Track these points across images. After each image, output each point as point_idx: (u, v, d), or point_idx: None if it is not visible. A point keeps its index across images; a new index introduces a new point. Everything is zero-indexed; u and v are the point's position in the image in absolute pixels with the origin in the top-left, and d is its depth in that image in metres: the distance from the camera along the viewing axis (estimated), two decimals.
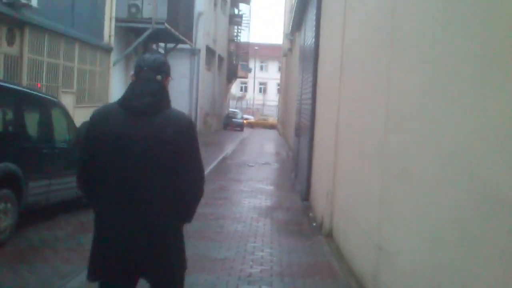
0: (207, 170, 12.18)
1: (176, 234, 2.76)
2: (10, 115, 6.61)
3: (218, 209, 9.05)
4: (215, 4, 31.21)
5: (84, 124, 6.64)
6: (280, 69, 46.71)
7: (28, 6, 10.32)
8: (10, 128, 6.61)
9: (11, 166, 6.13)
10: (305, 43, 13.20)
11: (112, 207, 2.63)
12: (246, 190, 11.51)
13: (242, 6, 41.47)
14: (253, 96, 62.53)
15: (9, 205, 6.09)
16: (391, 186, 4.32)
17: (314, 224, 8.23)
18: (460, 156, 2.92)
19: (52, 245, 6.20)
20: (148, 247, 2.62)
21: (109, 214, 2.65)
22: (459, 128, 2.96)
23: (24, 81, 11.06)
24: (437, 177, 3.29)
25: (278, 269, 5.69)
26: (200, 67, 26.98)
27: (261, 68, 66.52)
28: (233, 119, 39.63)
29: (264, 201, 10.26)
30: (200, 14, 26.51)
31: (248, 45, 45.04)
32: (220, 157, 17.90)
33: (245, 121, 42.22)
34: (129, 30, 18.41)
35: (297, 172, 13.48)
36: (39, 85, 11.64)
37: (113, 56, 16.94)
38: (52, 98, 8.19)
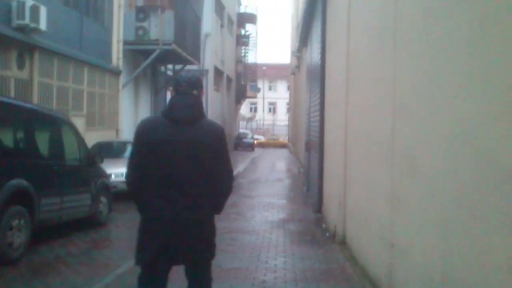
0: None
1: (210, 227, 3.29)
2: (21, 133, 6.71)
3: (231, 223, 9.01)
4: (221, 25, 31.57)
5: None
6: (288, 88, 46.92)
7: (37, 30, 10.50)
8: (22, 145, 6.70)
9: (23, 182, 6.19)
10: (312, 58, 13.30)
11: (158, 202, 3.11)
12: (258, 205, 11.47)
13: (248, 26, 41.82)
14: (263, 116, 62.69)
15: (22, 221, 6.12)
16: (400, 182, 4.31)
17: (327, 234, 8.17)
18: (465, 142, 2.91)
19: (65, 261, 6.20)
20: (189, 236, 3.10)
21: (155, 209, 3.12)
22: (463, 116, 2.95)
23: None
24: (443, 165, 3.29)
25: (292, 276, 5.63)
26: (208, 87, 27.16)
27: (270, 88, 66.80)
28: (244, 140, 39.69)
29: (276, 214, 10.21)
30: (207, 35, 26.80)
31: (256, 65, 45.33)
32: None
33: (255, 141, 42.25)
34: (137, 52, 18.63)
35: (309, 186, 13.44)
36: None
37: (122, 79, 17.14)
38: (62, 116, 8.29)
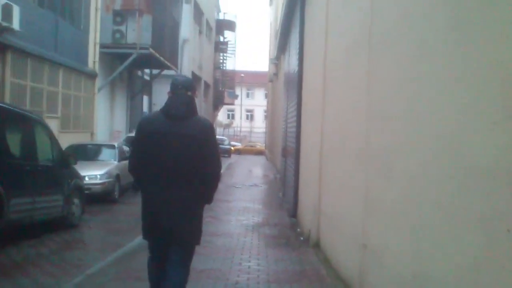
0: None
1: (199, 215, 3.81)
2: None
3: (206, 226, 8.77)
4: (200, 32, 31.54)
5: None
6: (266, 95, 47.04)
7: (10, 29, 10.34)
8: None
9: None
10: (290, 66, 13.39)
11: (154, 188, 3.63)
12: (234, 209, 11.45)
13: (227, 33, 41.91)
14: (240, 123, 62.71)
15: None
16: (374, 184, 4.36)
17: (301, 238, 8.19)
18: (440, 145, 2.96)
19: (35, 261, 6.09)
20: (179, 220, 3.61)
21: (152, 194, 3.66)
22: (439, 119, 3.00)
23: None
24: (417, 167, 3.33)
25: (265, 277, 5.63)
26: None
27: (248, 95, 66.88)
28: (220, 145, 39.64)
29: (251, 219, 10.21)
30: (185, 41, 26.74)
31: (234, 72, 45.36)
32: None
33: (232, 148, 42.21)
34: (113, 56, 18.49)
35: (285, 191, 13.47)
36: None
37: (98, 82, 16.98)
38: (35, 116, 8.16)
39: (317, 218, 7.35)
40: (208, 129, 3.74)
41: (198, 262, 6.08)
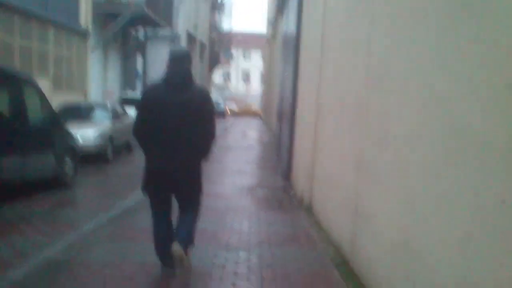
0: None
1: (199, 169, 4.31)
2: None
3: None
4: None
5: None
6: (263, 57, 46.55)
7: None
8: None
9: None
10: (287, 27, 13.13)
11: (159, 148, 4.08)
12: (228, 171, 11.47)
13: None
14: (236, 85, 62.30)
15: None
16: (368, 149, 4.32)
17: (294, 201, 8.23)
18: (435, 111, 2.90)
19: (28, 220, 6.09)
20: (182, 175, 4.16)
21: (156, 153, 4.12)
22: (435, 84, 2.94)
23: None
24: (411, 133, 3.29)
25: (256, 239, 5.67)
26: None
27: (244, 56, 66.20)
28: (216, 108, 39.45)
29: (245, 181, 10.23)
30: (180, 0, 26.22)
31: (230, 33, 44.72)
32: None
33: (228, 110, 42.06)
34: (107, 15, 18.09)
35: (279, 154, 13.48)
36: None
37: (91, 42, 16.68)
38: (24, 75, 8.00)
39: (310, 181, 7.36)
40: (205, 96, 4.20)
41: None
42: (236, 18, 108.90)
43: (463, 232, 2.45)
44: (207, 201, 7.70)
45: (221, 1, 40.29)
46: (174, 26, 24.27)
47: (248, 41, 60.49)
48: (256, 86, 61.95)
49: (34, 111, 7.66)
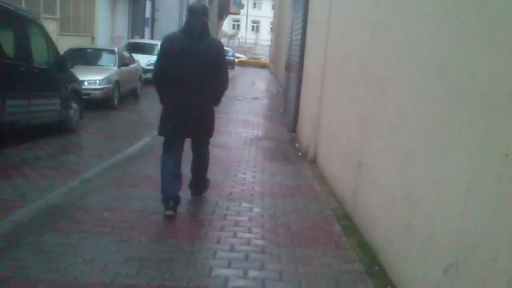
0: None
1: (211, 112, 4.76)
2: None
3: None
4: None
5: None
6: (273, 6, 45.49)
7: None
8: None
9: None
10: None
11: (176, 93, 4.46)
12: (234, 122, 11.41)
13: None
14: (245, 34, 61.31)
15: None
16: (371, 102, 4.24)
17: (299, 153, 8.20)
18: (435, 66, 2.83)
19: (32, 164, 6.10)
20: (196, 118, 4.54)
21: (174, 98, 4.49)
22: (436, 39, 2.84)
23: None
24: (412, 87, 3.24)
25: (260, 190, 5.67)
26: None
27: (254, 5, 64.77)
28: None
29: (251, 132, 10.19)
30: None
31: None
32: None
33: (236, 60, 41.52)
34: None
35: (286, 106, 13.34)
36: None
37: None
38: (29, 16, 7.82)
39: (315, 134, 7.30)
40: (219, 47, 4.64)
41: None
42: None
43: (465, 186, 2.40)
44: (212, 151, 7.69)
45: None
46: None
47: None
48: (265, 36, 60.87)
49: (39, 53, 7.54)
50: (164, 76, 4.47)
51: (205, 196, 5.22)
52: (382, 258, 3.64)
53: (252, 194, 5.45)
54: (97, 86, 10.97)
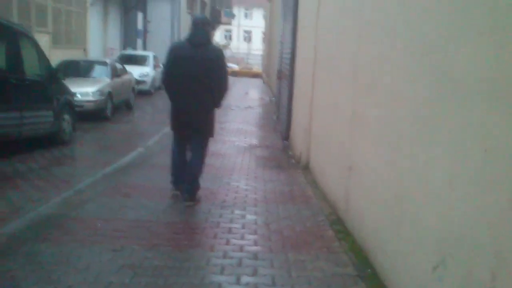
0: None
1: (212, 114, 5.28)
2: None
3: None
4: None
5: None
6: (264, 16, 45.69)
7: None
8: None
9: None
10: None
11: (181, 95, 5.06)
12: (227, 130, 11.41)
13: None
14: (237, 44, 61.49)
15: None
16: (360, 101, 4.31)
17: (292, 161, 8.23)
18: (423, 59, 2.88)
19: (24, 175, 6.10)
20: (198, 117, 5.11)
21: (179, 99, 5.11)
22: (423, 31, 2.89)
23: None
24: (399, 82, 3.29)
25: (253, 197, 5.69)
26: (181, 10, 26.28)
27: (246, 15, 65.05)
28: None
29: (244, 140, 10.21)
30: None
31: None
32: None
33: (228, 70, 41.59)
34: None
35: (279, 114, 13.39)
36: None
37: None
38: (21, 28, 7.84)
39: (307, 140, 7.34)
40: (220, 54, 5.20)
41: None
42: None
43: (445, 183, 2.48)
44: (206, 159, 7.72)
45: None
46: None
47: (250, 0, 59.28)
48: (257, 45, 61.03)
49: (31, 65, 7.55)
50: (172, 79, 5.09)
51: (198, 204, 5.23)
52: (374, 261, 3.66)
53: (245, 201, 5.47)
54: (90, 98, 10.98)
